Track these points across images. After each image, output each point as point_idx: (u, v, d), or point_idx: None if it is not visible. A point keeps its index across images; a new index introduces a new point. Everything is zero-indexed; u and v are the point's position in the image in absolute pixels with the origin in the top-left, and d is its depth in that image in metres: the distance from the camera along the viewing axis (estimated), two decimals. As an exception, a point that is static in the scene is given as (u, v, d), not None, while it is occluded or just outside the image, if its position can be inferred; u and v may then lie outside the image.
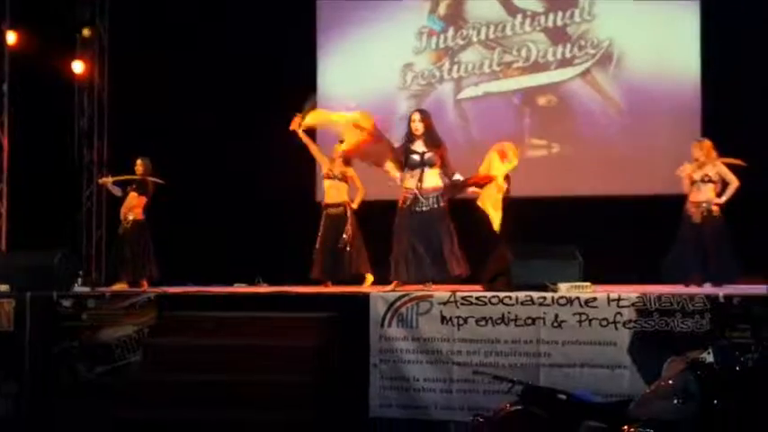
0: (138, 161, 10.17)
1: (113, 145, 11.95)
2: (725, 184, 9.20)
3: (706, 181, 9.12)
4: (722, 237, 9.08)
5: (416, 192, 8.13)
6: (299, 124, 9.18)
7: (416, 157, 8.19)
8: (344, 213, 9.66)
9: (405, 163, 8.23)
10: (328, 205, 9.78)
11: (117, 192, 10.31)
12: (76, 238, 11.69)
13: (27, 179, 11.00)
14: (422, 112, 8.49)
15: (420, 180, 8.15)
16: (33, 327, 7.91)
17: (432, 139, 8.26)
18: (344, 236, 9.53)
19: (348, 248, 9.52)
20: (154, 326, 7.80)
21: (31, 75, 11.02)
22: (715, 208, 9.11)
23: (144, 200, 10.14)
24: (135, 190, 10.13)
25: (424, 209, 8.16)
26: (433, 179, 8.22)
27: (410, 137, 8.27)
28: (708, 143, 9.27)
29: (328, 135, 10.00)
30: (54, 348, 7.90)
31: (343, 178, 9.73)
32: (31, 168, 11.05)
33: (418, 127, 8.24)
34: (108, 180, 10.45)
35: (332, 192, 9.76)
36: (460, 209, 8.48)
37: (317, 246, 9.67)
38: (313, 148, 9.77)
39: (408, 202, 8.17)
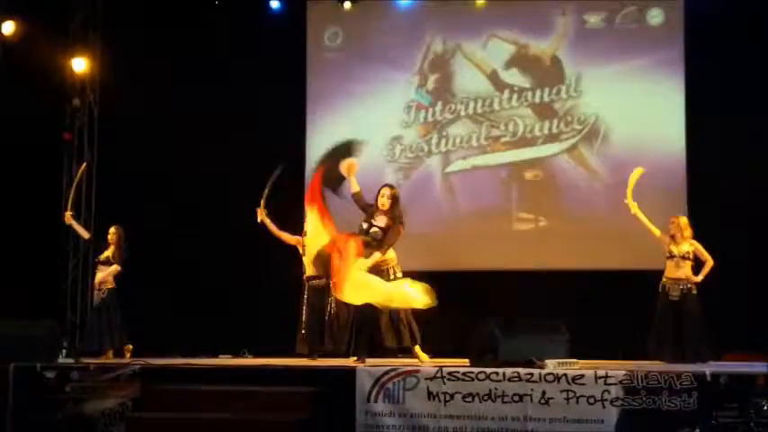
0: (111, 229, 10.18)
1: (101, 214, 11.92)
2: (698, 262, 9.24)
3: (686, 258, 9.14)
4: (699, 317, 9.06)
5: None
6: (264, 214, 9.62)
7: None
8: (327, 285, 9.62)
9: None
10: (310, 278, 9.69)
11: (84, 234, 10.25)
12: (61, 308, 11.59)
13: (11, 248, 10.97)
14: (391, 187, 8.84)
15: None
16: (16, 398, 7.82)
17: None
18: (331, 308, 9.49)
19: (334, 322, 9.48)
20: (138, 399, 7.72)
21: (19, 142, 11.05)
22: (693, 287, 9.13)
23: (116, 268, 10.11)
24: (103, 263, 10.11)
25: None
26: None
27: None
28: (685, 220, 9.32)
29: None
30: (37, 420, 7.79)
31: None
32: (17, 237, 11.03)
33: (385, 203, 8.65)
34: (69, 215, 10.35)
35: (312, 265, 9.71)
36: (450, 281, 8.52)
37: (304, 320, 9.59)
38: (283, 236, 9.79)
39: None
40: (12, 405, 7.78)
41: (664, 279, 9.21)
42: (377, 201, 8.72)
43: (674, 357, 8.83)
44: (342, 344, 9.38)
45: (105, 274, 10.09)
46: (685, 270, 9.15)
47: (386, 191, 8.74)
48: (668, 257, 9.20)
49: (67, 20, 11.94)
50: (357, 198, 8.87)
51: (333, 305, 9.49)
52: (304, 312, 9.60)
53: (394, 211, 8.66)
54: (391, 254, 8.66)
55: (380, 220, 8.61)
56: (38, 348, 8.23)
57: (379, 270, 8.52)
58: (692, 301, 9.10)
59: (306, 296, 9.66)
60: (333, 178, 8.85)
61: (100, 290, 10.09)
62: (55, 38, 11.54)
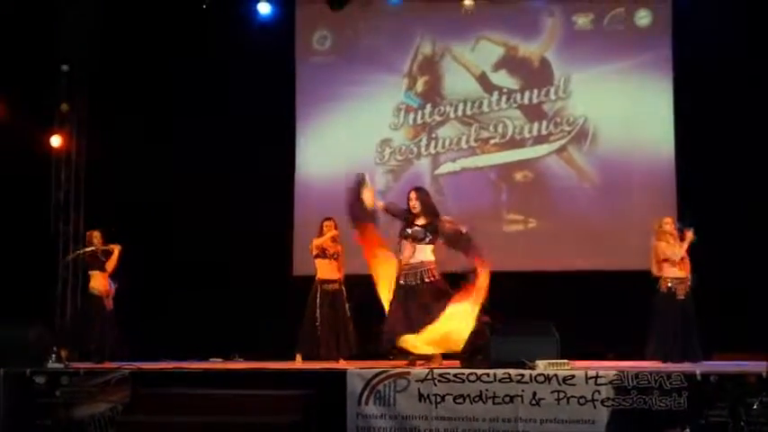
0: (97, 233, 10.09)
1: (89, 219, 11.88)
2: None
3: (683, 258, 9.21)
4: (695, 315, 9.13)
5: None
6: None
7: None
8: (340, 289, 9.58)
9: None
10: (323, 281, 9.67)
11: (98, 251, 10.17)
12: (50, 313, 11.54)
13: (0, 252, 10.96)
14: (416, 190, 8.69)
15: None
16: (6, 404, 7.79)
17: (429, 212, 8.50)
18: (348, 313, 9.47)
19: (343, 329, 9.46)
20: (128, 403, 7.69)
21: (7, 147, 11.02)
22: (690, 286, 9.20)
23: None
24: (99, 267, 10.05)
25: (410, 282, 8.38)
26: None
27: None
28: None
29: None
30: (27, 426, 7.76)
31: (336, 256, 9.73)
32: (5, 241, 11.00)
33: (415, 205, 8.46)
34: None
35: (327, 268, 9.68)
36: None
37: (318, 323, 9.51)
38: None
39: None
40: (2, 411, 7.75)
41: (669, 280, 9.18)
42: (408, 206, 8.56)
43: (679, 357, 8.83)
44: (351, 351, 9.40)
45: (109, 290, 10.04)
46: (685, 270, 9.21)
47: (413, 194, 8.57)
48: (676, 260, 9.22)
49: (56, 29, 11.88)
50: (389, 209, 8.69)
51: (349, 311, 9.46)
52: (318, 316, 9.54)
53: (427, 209, 8.49)
54: (430, 256, 8.46)
55: (420, 221, 8.45)
56: (27, 353, 8.20)
57: (414, 270, 8.40)
58: (691, 301, 9.16)
59: (318, 299, 9.61)
60: (366, 214, 8.61)
61: (107, 296, 10.04)
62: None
